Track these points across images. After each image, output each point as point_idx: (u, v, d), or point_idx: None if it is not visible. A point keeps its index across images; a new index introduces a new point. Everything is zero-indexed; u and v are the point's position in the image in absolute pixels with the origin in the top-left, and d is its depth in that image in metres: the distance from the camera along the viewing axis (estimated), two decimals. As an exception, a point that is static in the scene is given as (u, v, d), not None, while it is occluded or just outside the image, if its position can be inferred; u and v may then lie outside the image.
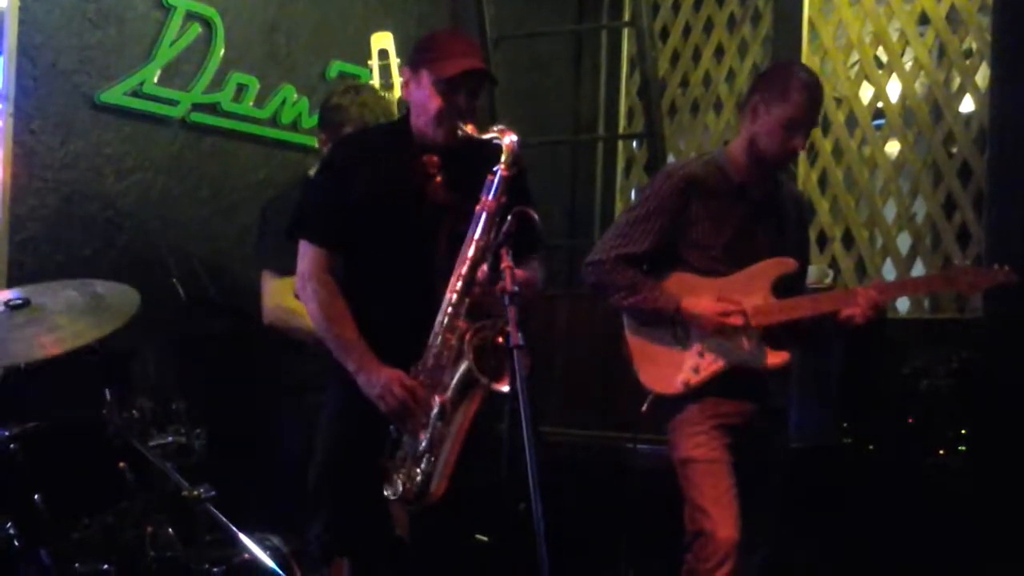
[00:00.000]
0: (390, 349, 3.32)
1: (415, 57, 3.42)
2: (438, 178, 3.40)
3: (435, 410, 3.23)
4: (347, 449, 3.46)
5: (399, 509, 3.46)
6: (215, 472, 3.52)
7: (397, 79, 4.58)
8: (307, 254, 3.43)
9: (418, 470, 3.25)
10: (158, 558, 3.39)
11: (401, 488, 3.25)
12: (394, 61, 4.60)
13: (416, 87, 3.39)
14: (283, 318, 4.04)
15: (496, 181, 3.23)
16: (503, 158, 3.24)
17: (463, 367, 3.20)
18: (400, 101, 4.53)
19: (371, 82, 4.56)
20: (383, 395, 3.26)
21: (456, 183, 3.38)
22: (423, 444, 3.24)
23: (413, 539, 3.50)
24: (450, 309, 3.24)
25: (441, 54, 3.35)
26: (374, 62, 4.63)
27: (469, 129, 3.31)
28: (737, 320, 3.71)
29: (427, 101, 3.36)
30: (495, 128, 3.30)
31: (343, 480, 3.47)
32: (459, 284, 3.23)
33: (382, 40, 4.63)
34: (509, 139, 3.25)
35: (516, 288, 2.93)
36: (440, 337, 3.25)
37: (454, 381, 3.23)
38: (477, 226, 3.21)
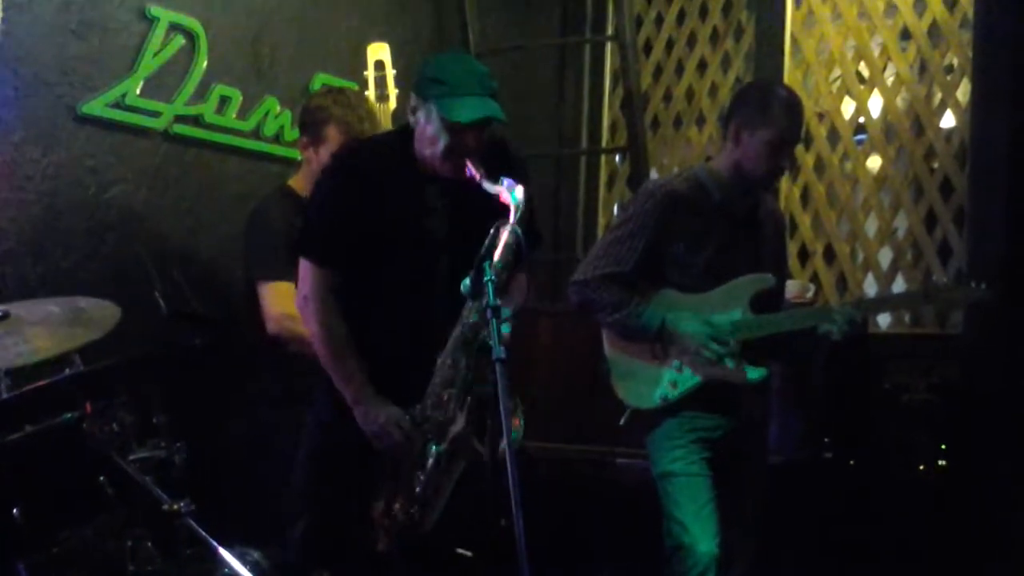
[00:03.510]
0: (386, 378, 3.34)
1: (425, 87, 3.33)
2: (439, 210, 3.39)
3: (430, 460, 3.28)
4: (332, 461, 3.48)
5: None
6: (196, 486, 3.51)
7: (393, 90, 4.57)
8: (310, 274, 3.43)
9: (412, 510, 3.32)
10: (138, 572, 3.38)
11: (391, 525, 3.32)
12: (390, 72, 4.59)
13: (425, 119, 3.33)
14: (289, 327, 4.02)
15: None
16: (511, 217, 3.04)
17: (458, 428, 3.25)
18: (394, 113, 4.53)
19: (367, 93, 4.54)
20: (379, 435, 3.31)
21: (458, 215, 3.36)
22: (418, 488, 3.29)
23: (396, 553, 3.50)
24: (450, 360, 3.27)
25: (453, 90, 3.27)
26: (370, 73, 4.61)
27: (477, 176, 3.18)
28: (718, 350, 3.72)
29: (435, 136, 3.31)
30: (504, 182, 3.10)
31: (326, 491, 3.49)
32: (460, 331, 3.23)
33: (378, 51, 4.61)
34: (516, 197, 3.05)
35: (498, 302, 2.93)
36: (436, 387, 3.31)
37: (451, 435, 3.28)
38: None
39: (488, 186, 3.14)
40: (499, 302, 2.93)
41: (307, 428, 3.72)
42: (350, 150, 3.68)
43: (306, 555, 3.69)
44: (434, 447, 3.30)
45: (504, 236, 3.02)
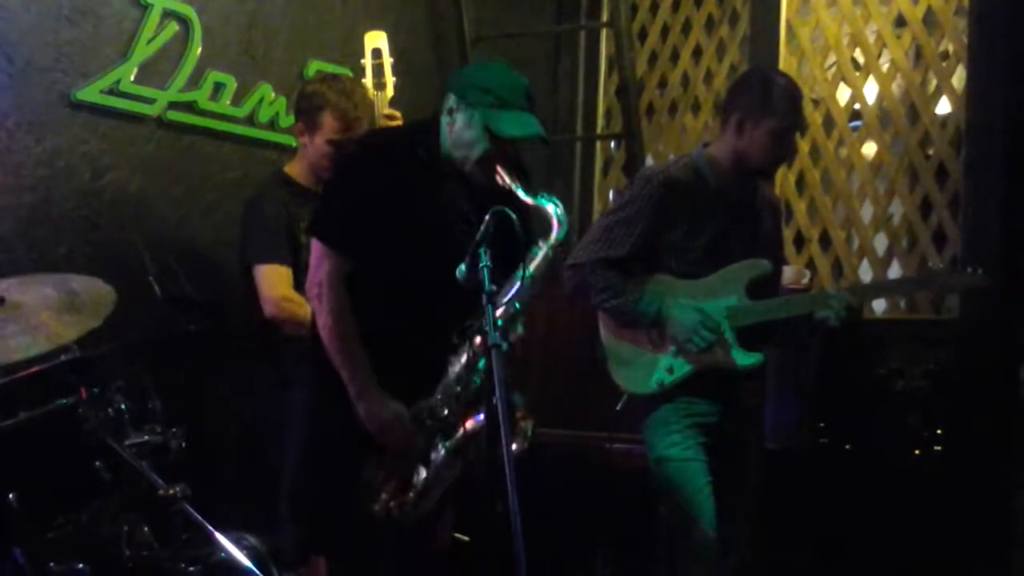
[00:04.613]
0: (392, 373, 3.34)
1: (470, 93, 3.32)
2: (457, 208, 3.36)
3: (438, 455, 3.31)
4: (327, 447, 3.48)
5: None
6: (191, 471, 3.51)
7: (390, 78, 4.55)
8: (325, 259, 3.38)
9: (410, 495, 3.33)
10: (134, 557, 3.38)
11: (388, 506, 3.32)
12: (387, 60, 4.58)
13: (463, 123, 3.32)
14: (287, 308, 4.03)
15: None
16: (553, 234, 3.24)
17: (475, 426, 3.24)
18: (391, 101, 4.52)
19: (364, 81, 4.53)
20: (383, 432, 3.30)
21: (475, 216, 3.22)
22: (418, 481, 3.32)
23: (392, 537, 3.51)
24: (460, 370, 3.28)
25: (501, 103, 3.28)
26: (367, 60, 4.59)
27: (512, 185, 3.21)
28: (708, 338, 3.73)
29: (473, 141, 3.30)
30: (545, 196, 3.23)
31: (322, 478, 3.49)
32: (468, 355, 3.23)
33: (376, 39, 4.60)
34: (560, 214, 3.20)
35: (494, 288, 2.92)
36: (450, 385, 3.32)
37: (459, 434, 3.28)
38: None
39: (523, 195, 3.18)
40: (494, 288, 2.93)
41: (297, 414, 3.72)
42: (375, 138, 3.66)
43: (303, 543, 3.70)
44: (443, 442, 3.31)
45: (543, 252, 3.24)
